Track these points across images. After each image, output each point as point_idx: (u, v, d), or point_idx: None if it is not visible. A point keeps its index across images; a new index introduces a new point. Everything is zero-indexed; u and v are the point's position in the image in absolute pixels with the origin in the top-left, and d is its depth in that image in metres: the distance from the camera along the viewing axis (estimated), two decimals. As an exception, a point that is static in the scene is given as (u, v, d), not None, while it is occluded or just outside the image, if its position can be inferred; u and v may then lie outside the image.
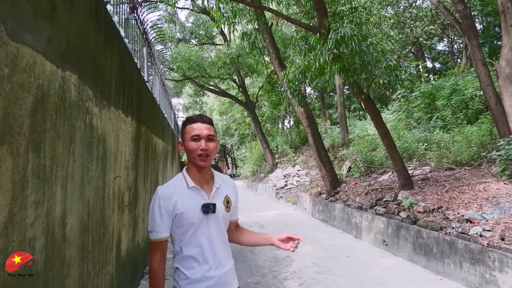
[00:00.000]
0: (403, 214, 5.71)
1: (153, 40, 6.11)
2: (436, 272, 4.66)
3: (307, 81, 6.57)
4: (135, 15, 4.62)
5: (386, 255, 5.71)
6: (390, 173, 8.34)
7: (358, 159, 10.51)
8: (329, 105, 24.24)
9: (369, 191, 7.50)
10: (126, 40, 3.40)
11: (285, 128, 26.83)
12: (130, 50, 3.78)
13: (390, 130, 10.86)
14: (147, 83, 5.08)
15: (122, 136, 3.24)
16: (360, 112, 20.09)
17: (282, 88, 7.72)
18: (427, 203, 5.55)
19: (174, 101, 26.92)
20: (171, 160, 10.41)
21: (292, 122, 26.11)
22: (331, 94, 24.20)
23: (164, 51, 8.44)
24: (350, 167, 10.91)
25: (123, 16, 4.15)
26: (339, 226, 7.80)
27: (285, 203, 12.63)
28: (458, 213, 4.80)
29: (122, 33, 3.23)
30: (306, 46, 6.16)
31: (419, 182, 6.77)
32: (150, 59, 6.38)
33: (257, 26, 7.46)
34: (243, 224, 8.22)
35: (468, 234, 4.24)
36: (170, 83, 18.23)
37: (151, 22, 5.97)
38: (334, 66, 5.26)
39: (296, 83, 6.43)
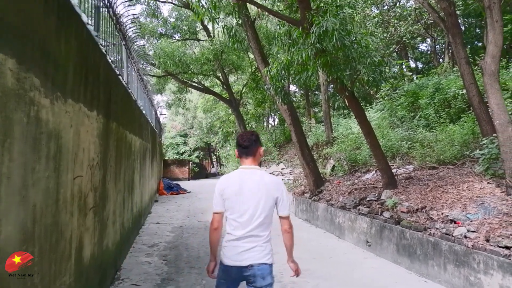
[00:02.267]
0: (386, 214, 5.59)
1: (129, 30, 5.77)
2: (420, 274, 4.54)
3: (290, 77, 6.36)
4: (106, 1, 4.30)
5: (369, 256, 5.58)
6: (374, 172, 8.25)
7: (342, 157, 10.42)
8: (314, 103, 24.19)
9: (353, 190, 7.38)
10: (90, 27, 3.10)
11: (269, 126, 26.69)
12: (97, 39, 3.48)
13: (374, 129, 10.78)
14: (119, 76, 4.76)
15: (85, 132, 2.95)
16: (345, 111, 20.12)
17: (266, 86, 7.50)
18: (411, 203, 5.44)
19: (157, 98, 26.36)
20: (151, 159, 10.06)
21: (276, 120, 26.03)
22: (316, 92, 24.18)
23: (143, 45, 8.10)
24: (334, 166, 10.81)
25: (92, 1, 3.84)
26: (322, 226, 7.66)
27: (268, 202, 12.43)
28: (442, 213, 4.69)
29: (85, 19, 2.93)
30: (290, 41, 5.95)
31: (403, 181, 6.68)
32: (126, 52, 6.04)
33: (239, 20, 7.20)
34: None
35: (452, 235, 4.12)
36: (152, 80, 17.76)
37: (127, 12, 5.64)
38: (317, 61, 5.07)
39: (279, 79, 6.22)
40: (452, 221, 4.42)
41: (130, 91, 6.15)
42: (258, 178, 2.14)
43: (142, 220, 7.95)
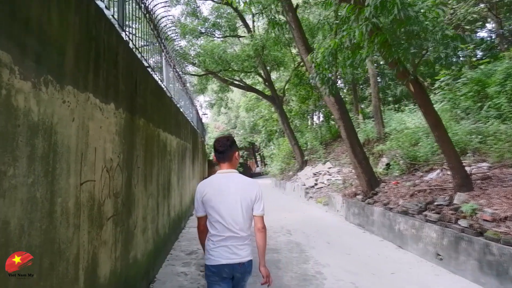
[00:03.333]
0: (463, 223, 4.60)
1: (160, 20, 5.36)
2: (515, 301, 3.56)
3: (338, 64, 5.58)
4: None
5: (441, 272, 4.64)
6: (439, 170, 7.14)
7: (397, 155, 9.31)
8: (361, 98, 22.71)
9: (415, 192, 6.38)
10: (101, 3, 2.63)
11: (314, 124, 25.62)
12: (114, 20, 3.02)
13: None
14: (148, 69, 4.33)
15: (98, 128, 2.48)
16: (395, 105, 18.57)
17: (310, 75, 6.75)
18: (496, 209, 4.41)
19: (200, 99, 26.53)
20: (192, 159, 9.74)
21: (321, 118, 24.87)
22: (363, 86, 22.71)
23: (178, 40, 7.74)
24: (388, 164, 9.72)
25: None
26: (379, 232, 6.74)
27: (315, 204, 11.63)
28: (545, 224, 3.66)
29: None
30: (338, 22, 5.17)
31: (479, 182, 5.58)
32: (159, 45, 5.65)
33: (277, 4, 6.49)
34: (268, 229, 7.36)
35: None
36: (193, 80, 17.70)
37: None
38: (373, 41, 4.25)
39: (326, 67, 5.46)
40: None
41: (164, 86, 5.76)
42: (234, 182, 2.23)
43: (183, 224, 7.60)
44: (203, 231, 2.30)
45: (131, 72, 3.42)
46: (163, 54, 6.24)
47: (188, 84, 11.24)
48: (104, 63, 2.60)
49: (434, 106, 11.31)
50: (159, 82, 5.19)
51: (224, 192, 2.18)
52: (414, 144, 9.70)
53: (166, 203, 5.44)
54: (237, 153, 2.35)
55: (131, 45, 3.59)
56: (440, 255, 4.90)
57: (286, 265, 4.94)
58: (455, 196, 5.26)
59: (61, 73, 1.92)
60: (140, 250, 3.73)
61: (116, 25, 3.27)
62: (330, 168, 14.51)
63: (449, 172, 6.79)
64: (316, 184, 13.34)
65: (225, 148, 2.27)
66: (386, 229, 6.46)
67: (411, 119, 12.08)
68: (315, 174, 14.50)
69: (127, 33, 3.63)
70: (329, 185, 12.50)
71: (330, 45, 5.00)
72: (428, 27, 4.10)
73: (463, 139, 7.98)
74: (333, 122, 21.35)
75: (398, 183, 7.62)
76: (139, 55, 3.87)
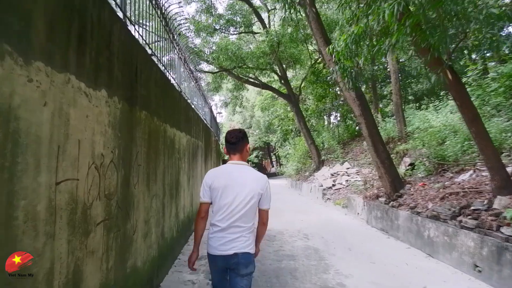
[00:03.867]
0: (506, 231, 4.03)
1: (169, 7, 5.00)
2: None
3: (361, 54, 5.07)
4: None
5: (481, 287, 4.08)
6: (472, 171, 6.51)
7: (423, 154, 8.67)
8: (380, 96, 21.89)
9: (446, 195, 5.79)
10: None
11: (331, 123, 24.92)
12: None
13: (463, 121, 8.88)
14: (152, 57, 3.95)
15: (83, 118, 2.10)
16: (415, 104, 17.74)
17: (331, 69, 6.26)
18: (547, 216, 3.83)
19: (215, 98, 26.26)
20: (204, 158, 9.37)
21: (339, 117, 24.14)
22: (382, 84, 21.87)
23: (186, 24, 7.38)
24: (412, 164, 9.08)
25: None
26: (405, 238, 6.17)
27: (333, 206, 11.08)
28: None
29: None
30: (362, 6, 4.68)
31: (521, 184, 4.96)
32: (168, 35, 5.29)
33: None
34: (284, 233, 6.88)
35: None
36: (208, 78, 17.40)
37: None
38: (404, 22, 3.74)
39: (349, 57, 4.96)
40: None
41: (173, 79, 5.39)
42: (244, 173, 2.24)
43: (193, 225, 7.21)
44: (203, 218, 2.33)
45: (130, 58, 3.04)
46: (172, 43, 5.88)
47: (202, 82, 10.91)
48: (92, 41, 2.22)
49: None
50: (166, 73, 4.81)
51: (233, 182, 2.18)
52: (440, 143, 9.05)
53: (173, 204, 5.07)
54: (248, 145, 2.37)
55: (135, 34, 3.20)
56: (478, 267, 4.33)
57: (303, 274, 4.47)
58: (495, 200, 4.68)
59: (25, 44, 1.53)
60: (141, 257, 3.35)
61: (113, 4, 2.90)
62: (348, 168, 13.91)
63: (484, 173, 6.17)
64: (334, 185, 12.79)
65: (237, 140, 2.29)
66: (413, 235, 5.90)
67: (435, 117, 11.38)
68: (332, 175, 13.93)
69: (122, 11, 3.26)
70: (347, 186, 11.92)
71: (354, 32, 4.51)
72: (468, 6, 3.56)
73: (497, 138, 7.31)
74: (350, 122, 20.69)
75: (425, 184, 7.02)
76: (140, 40, 3.49)
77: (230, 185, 2.18)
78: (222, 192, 2.18)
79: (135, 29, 3.54)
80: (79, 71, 2.04)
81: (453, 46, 4.10)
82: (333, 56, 5.50)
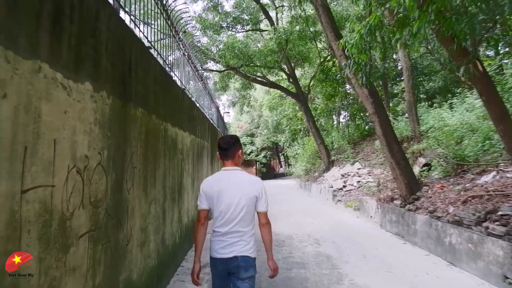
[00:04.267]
0: (542, 239, 3.63)
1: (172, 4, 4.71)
2: None
3: (377, 46, 4.70)
4: None
5: (513, 302, 3.68)
6: (495, 172, 6.07)
7: (440, 154, 8.23)
8: (392, 94, 21.34)
9: (468, 198, 5.37)
10: None
11: (340, 123, 24.43)
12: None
13: (479, 120, 8.41)
14: (150, 50, 3.65)
15: (60, 114, 1.80)
16: (427, 102, 17.17)
17: (343, 64, 5.89)
18: None
19: (223, 98, 26.00)
20: (211, 159, 9.07)
21: (348, 116, 23.62)
22: (392, 83, 21.31)
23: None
24: (427, 165, 8.63)
25: None
26: (423, 245, 5.77)
27: (344, 208, 10.68)
28: None
29: None
30: (377, -6, 4.31)
31: (554, 186, 4.54)
32: (169, 28, 4.99)
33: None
34: (294, 237, 6.52)
35: None
36: (215, 77, 17.14)
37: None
38: (427, 9, 3.37)
39: (363, 50, 4.60)
40: None
41: (175, 76, 5.10)
42: (238, 178, 2.26)
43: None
44: (203, 224, 2.33)
45: (122, 48, 2.74)
46: (174, 37, 5.59)
47: (209, 81, 10.63)
48: (72, 25, 1.92)
49: (477, 100, 10.15)
50: (166, 67, 4.51)
51: (227, 188, 2.21)
52: (458, 142, 8.60)
53: (176, 208, 4.77)
54: (240, 151, 2.38)
55: (129, 21, 2.91)
56: (509, 278, 3.92)
57: (315, 285, 4.12)
58: (526, 205, 4.26)
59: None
60: (137, 268, 3.04)
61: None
62: (359, 169, 13.48)
63: (508, 175, 5.74)
64: (344, 186, 12.37)
65: (229, 146, 2.30)
66: (432, 241, 5.49)
67: (451, 115, 10.89)
68: (343, 176, 13.51)
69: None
70: (359, 187, 11.50)
71: (369, 21, 4.15)
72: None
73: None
74: (360, 121, 20.20)
75: (444, 186, 6.60)
76: (134, 30, 3.19)
77: (224, 191, 2.20)
78: (217, 198, 2.21)
79: (131, 19, 3.25)
80: (54, 59, 1.74)
81: (483, 34, 3.71)
82: (345, 50, 5.15)
